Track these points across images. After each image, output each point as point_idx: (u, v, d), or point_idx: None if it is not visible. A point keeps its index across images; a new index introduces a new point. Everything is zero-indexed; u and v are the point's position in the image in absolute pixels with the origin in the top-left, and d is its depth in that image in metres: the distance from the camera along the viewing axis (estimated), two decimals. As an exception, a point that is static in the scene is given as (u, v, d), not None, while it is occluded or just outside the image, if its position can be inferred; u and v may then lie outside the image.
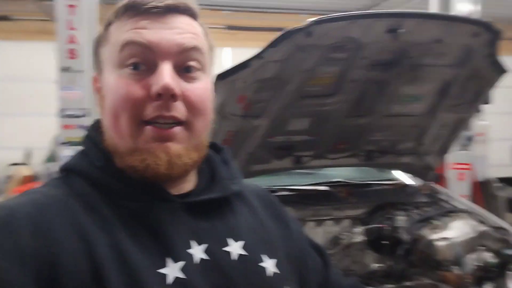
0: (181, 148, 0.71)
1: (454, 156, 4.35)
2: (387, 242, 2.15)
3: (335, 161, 2.44)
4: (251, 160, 2.20)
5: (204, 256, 0.70)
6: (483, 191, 4.94)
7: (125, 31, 0.70)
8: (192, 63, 0.72)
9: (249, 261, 0.74)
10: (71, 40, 3.48)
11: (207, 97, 0.74)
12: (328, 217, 2.27)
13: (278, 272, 0.77)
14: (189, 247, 0.70)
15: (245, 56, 1.77)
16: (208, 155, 0.80)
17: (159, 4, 0.69)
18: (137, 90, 0.69)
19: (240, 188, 0.83)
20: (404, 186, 2.62)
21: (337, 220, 2.28)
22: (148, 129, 0.69)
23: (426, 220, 2.17)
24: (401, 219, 2.19)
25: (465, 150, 4.48)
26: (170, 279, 0.65)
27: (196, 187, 0.78)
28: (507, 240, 2.03)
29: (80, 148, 0.78)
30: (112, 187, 0.71)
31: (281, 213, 0.92)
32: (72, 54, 3.48)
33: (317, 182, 2.56)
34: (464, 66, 2.06)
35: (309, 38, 1.73)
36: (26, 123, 6.92)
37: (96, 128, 0.77)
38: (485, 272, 1.91)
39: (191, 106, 0.71)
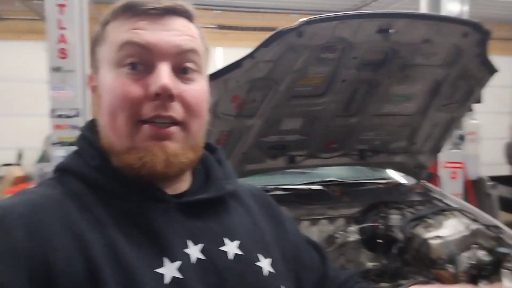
0: (178, 148, 0.71)
1: (446, 155, 4.38)
2: (381, 241, 2.16)
3: (329, 160, 2.45)
4: (245, 159, 2.20)
5: (201, 256, 0.70)
6: (475, 190, 4.97)
7: (123, 31, 0.71)
8: (189, 65, 0.72)
9: (245, 261, 0.75)
10: (62, 40, 3.46)
11: (203, 98, 0.75)
12: (322, 216, 2.27)
13: (273, 271, 0.77)
14: (186, 247, 0.70)
15: (236, 56, 1.77)
16: (202, 156, 0.80)
17: (158, 6, 0.70)
18: (135, 90, 0.69)
19: (234, 188, 0.83)
20: (397, 185, 2.63)
21: (332, 219, 2.28)
22: (146, 127, 0.69)
23: (419, 219, 2.17)
24: (394, 218, 2.19)
25: (457, 149, 4.51)
26: (167, 279, 0.65)
27: (191, 187, 0.79)
28: (500, 238, 2.04)
29: (74, 148, 0.77)
30: (107, 187, 0.71)
31: (276, 213, 0.92)
32: (62, 53, 3.46)
33: (311, 181, 2.57)
34: (454, 66, 2.07)
35: (300, 38, 1.73)
36: (18, 123, 6.86)
37: (90, 128, 0.77)
38: (479, 270, 1.92)
39: (188, 107, 0.72)
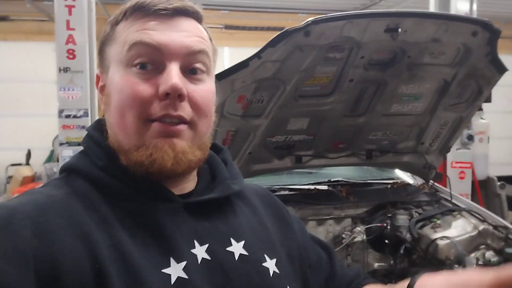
0: (186, 145, 0.71)
1: (454, 154, 4.35)
2: (388, 241, 2.15)
3: (336, 160, 2.44)
4: (251, 159, 2.20)
5: (206, 256, 0.70)
6: (484, 190, 4.94)
7: (133, 31, 0.71)
8: (198, 65, 0.73)
9: (251, 261, 0.74)
10: (70, 41, 3.48)
11: (211, 99, 0.76)
12: (329, 217, 2.27)
13: (278, 272, 0.77)
14: (193, 247, 0.70)
15: (242, 56, 1.77)
16: (208, 156, 0.80)
17: (168, 6, 0.71)
18: (144, 89, 0.70)
19: (240, 188, 0.83)
20: (405, 185, 2.62)
21: (338, 220, 2.28)
22: (155, 125, 0.70)
23: (427, 219, 2.17)
24: (402, 218, 2.18)
25: (466, 148, 4.48)
26: (173, 279, 0.65)
27: (197, 187, 0.79)
28: (509, 239, 2.03)
29: (80, 148, 0.78)
30: (114, 187, 0.71)
31: (282, 213, 0.92)
32: (71, 54, 3.48)
33: (318, 181, 2.56)
34: (463, 65, 2.06)
35: (308, 38, 1.73)
36: (26, 123, 6.92)
37: (97, 128, 0.78)
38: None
39: (196, 107, 0.72)
